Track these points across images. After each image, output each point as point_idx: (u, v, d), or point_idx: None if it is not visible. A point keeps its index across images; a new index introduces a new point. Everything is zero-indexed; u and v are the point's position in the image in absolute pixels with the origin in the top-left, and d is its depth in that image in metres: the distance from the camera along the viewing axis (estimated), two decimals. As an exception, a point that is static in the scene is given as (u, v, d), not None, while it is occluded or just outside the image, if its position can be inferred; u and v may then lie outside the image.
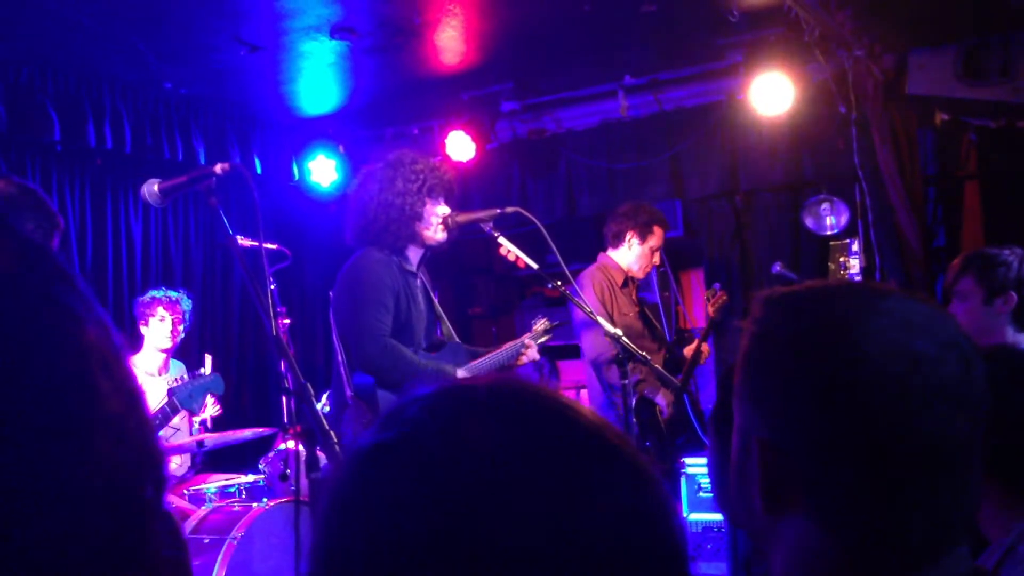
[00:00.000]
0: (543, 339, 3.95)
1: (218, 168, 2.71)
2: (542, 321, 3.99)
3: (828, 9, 4.61)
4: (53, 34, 4.60)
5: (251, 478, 4.70)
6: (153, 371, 4.96)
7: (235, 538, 3.88)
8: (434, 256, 3.86)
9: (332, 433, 2.37)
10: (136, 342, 4.98)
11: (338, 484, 0.68)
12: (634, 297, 4.88)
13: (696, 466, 4.47)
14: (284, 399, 4.09)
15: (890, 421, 0.90)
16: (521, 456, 0.64)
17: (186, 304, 5.04)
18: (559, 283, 3.57)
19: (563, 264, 3.62)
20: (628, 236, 4.79)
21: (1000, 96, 4.93)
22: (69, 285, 0.57)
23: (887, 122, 5.08)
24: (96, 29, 4.53)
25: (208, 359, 4.67)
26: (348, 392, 3.53)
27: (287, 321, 4.56)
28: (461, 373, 3.63)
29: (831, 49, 4.98)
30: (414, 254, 3.73)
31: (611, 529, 0.64)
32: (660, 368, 3.86)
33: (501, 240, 3.65)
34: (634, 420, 3.65)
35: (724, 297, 4.73)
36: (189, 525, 4.05)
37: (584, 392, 5.06)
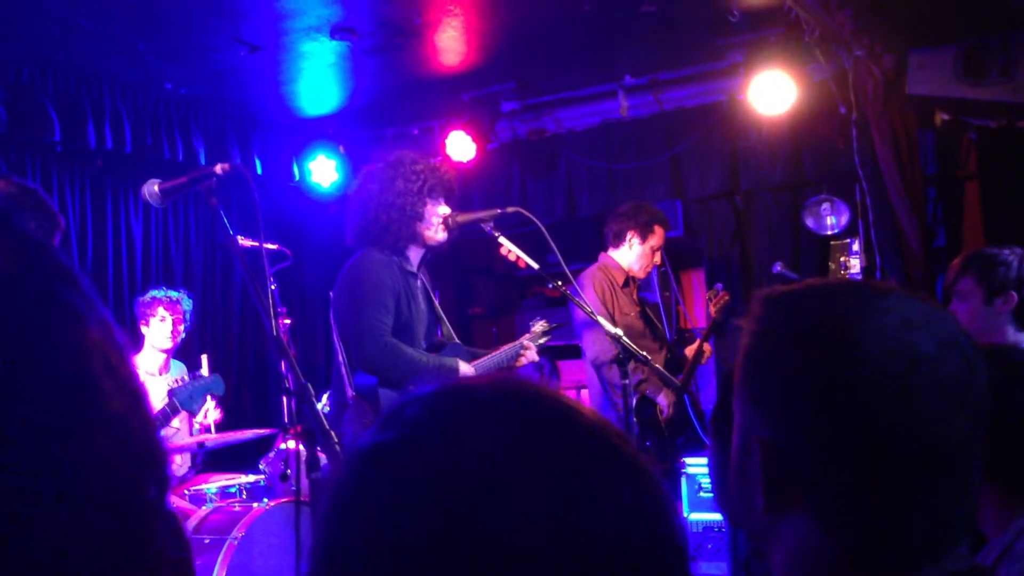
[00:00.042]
0: (542, 340, 3.94)
1: (218, 168, 2.71)
2: (541, 323, 3.99)
3: (828, 9, 4.61)
4: (53, 34, 4.60)
5: (252, 478, 4.70)
6: (154, 371, 4.95)
7: (235, 538, 3.88)
8: (434, 256, 3.86)
9: (332, 433, 2.36)
10: (136, 342, 4.98)
11: (338, 484, 0.68)
12: (635, 297, 4.88)
13: (696, 466, 4.46)
14: (284, 399, 4.10)
15: (890, 420, 0.90)
16: (521, 456, 0.64)
17: (187, 304, 5.04)
18: (560, 283, 3.56)
19: (563, 264, 3.62)
20: (629, 236, 4.78)
21: (1000, 96, 4.93)
22: (71, 283, 0.56)
23: (887, 122, 5.07)
24: (96, 29, 4.53)
25: (205, 359, 4.67)
26: (349, 392, 3.53)
27: (287, 321, 4.57)
28: (463, 366, 3.62)
29: (831, 49, 4.97)
30: (415, 254, 3.73)
31: (611, 529, 0.63)
32: (661, 368, 3.86)
33: (501, 240, 3.65)
34: (635, 420, 3.64)
35: (726, 297, 4.73)
36: (190, 525, 4.05)
37: (585, 392, 5.05)
